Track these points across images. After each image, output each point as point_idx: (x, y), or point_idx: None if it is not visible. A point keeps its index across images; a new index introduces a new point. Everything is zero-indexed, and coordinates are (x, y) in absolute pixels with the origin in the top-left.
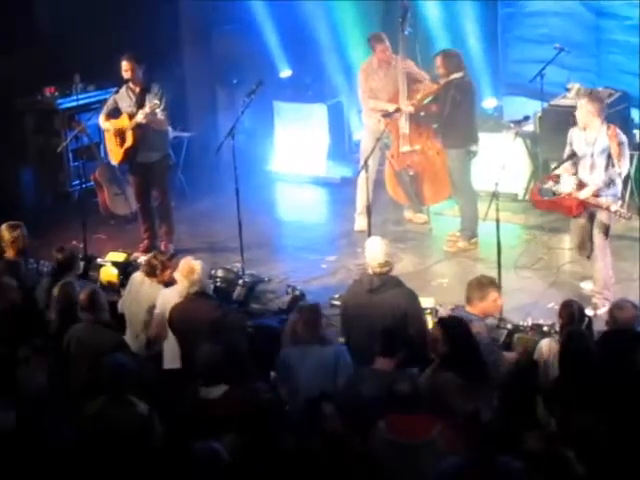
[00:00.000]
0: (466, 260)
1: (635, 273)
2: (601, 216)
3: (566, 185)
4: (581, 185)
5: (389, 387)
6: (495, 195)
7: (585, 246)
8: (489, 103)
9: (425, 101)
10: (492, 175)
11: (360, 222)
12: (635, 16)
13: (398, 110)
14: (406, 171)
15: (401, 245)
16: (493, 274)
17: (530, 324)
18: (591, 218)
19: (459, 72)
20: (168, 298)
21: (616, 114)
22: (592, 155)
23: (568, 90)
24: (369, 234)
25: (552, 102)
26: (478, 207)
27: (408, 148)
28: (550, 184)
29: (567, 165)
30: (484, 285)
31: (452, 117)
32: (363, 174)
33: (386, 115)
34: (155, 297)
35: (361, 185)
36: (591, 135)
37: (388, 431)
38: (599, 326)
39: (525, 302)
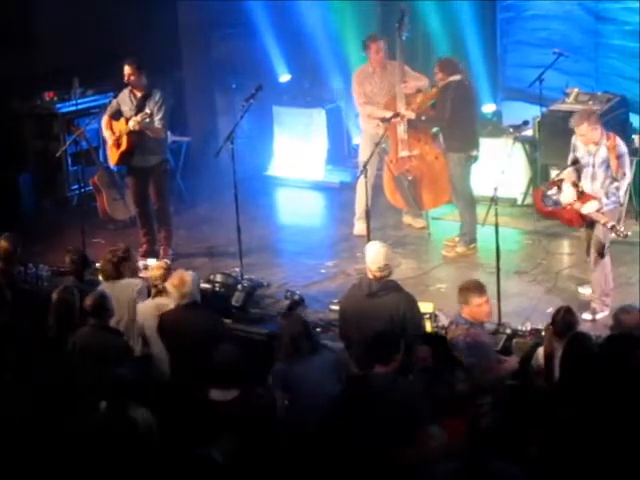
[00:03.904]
0: (465, 265)
1: (633, 277)
2: (597, 232)
3: (567, 195)
4: (583, 195)
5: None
6: (494, 200)
7: (589, 251)
8: (488, 108)
9: (425, 105)
10: (491, 180)
11: (359, 227)
12: (634, 21)
13: (397, 115)
14: (404, 176)
15: (400, 250)
16: (492, 279)
17: (529, 329)
18: (592, 227)
19: (456, 75)
20: (143, 310)
21: (615, 119)
22: (593, 165)
23: (567, 95)
24: (368, 239)
25: (551, 107)
26: (477, 212)
27: (406, 153)
28: (554, 190)
29: (570, 171)
30: (466, 290)
31: (453, 120)
32: (362, 179)
33: (385, 120)
34: (130, 291)
35: (360, 190)
36: (592, 145)
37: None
38: (599, 331)
39: (524, 307)
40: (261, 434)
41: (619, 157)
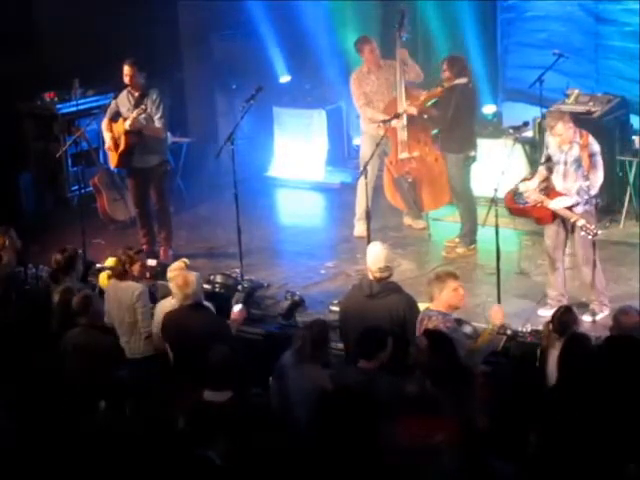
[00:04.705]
0: (465, 266)
1: (634, 278)
2: (578, 236)
3: (529, 188)
4: (552, 192)
5: (400, 390)
6: (494, 201)
7: (555, 254)
8: (488, 109)
9: (427, 104)
10: (491, 181)
11: (359, 228)
12: (634, 22)
13: (397, 116)
14: (405, 178)
15: (400, 251)
16: (492, 280)
17: (529, 330)
18: (564, 225)
19: (464, 77)
20: (162, 310)
21: (615, 120)
22: (565, 163)
23: (567, 96)
24: (368, 240)
25: (551, 108)
26: (477, 213)
27: (406, 155)
28: (520, 187)
29: (542, 169)
30: (442, 277)
31: (454, 121)
32: (362, 180)
33: (386, 121)
34: (130, 294)
35: (361, 191)
36: (565, 143)
37: (397, 434)
38: (599, 332)
39: (524, 308)
40: (257, 435)
41: (592, 155)
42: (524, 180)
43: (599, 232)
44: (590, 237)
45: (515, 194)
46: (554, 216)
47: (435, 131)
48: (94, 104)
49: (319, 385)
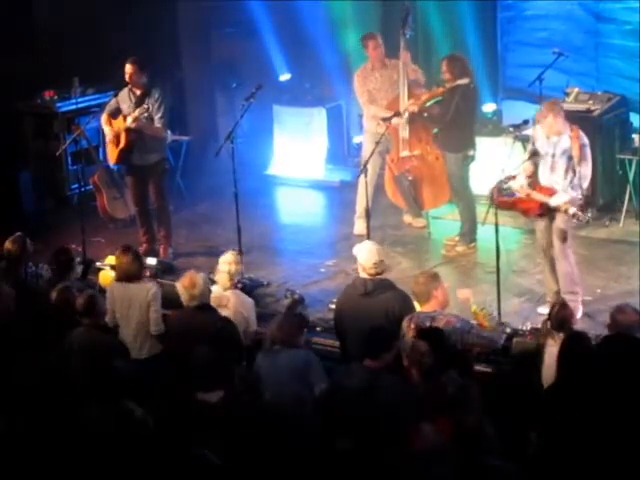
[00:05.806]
0: (465, 264)
1: (633, 277)
2: (558, 221)
3: (518, 183)
4: (535, 185)
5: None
6: (494, 199)
7: (547, 252)
8: (488, 107)
9: (429, 103)
10: (491, 179)
11: (359, 226)
12: (634, 20)
13: (398, 114)
14: (405, 176)
15: (400, 249)
16: (492, 278)
17: (529, 328)
18: (551, 220)
19: (465, 78)
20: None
21: (615, 118)
22: (553, 156)
23: (567, 94)
24: (368, 238)
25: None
26: (477, 211)
27: (407, 153)
28: (510, 184)
29: (527, 164)
30: (433, 276)
31: (454, 121)
32: (362, 178)
33: (386, 119)
34: (144, 294)
35: (361, 189)
36: (555, 136)
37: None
38: (599, 330)
39: (524, 306)
40: (251, 432)
41: (582, 147)
42: (510, 178)
43: (589, 216)
44: (584, 222)
45: (501, 188)
46: (541, 208)
47: (435, 130)
48: (94, 102)
49: (294, 367)
